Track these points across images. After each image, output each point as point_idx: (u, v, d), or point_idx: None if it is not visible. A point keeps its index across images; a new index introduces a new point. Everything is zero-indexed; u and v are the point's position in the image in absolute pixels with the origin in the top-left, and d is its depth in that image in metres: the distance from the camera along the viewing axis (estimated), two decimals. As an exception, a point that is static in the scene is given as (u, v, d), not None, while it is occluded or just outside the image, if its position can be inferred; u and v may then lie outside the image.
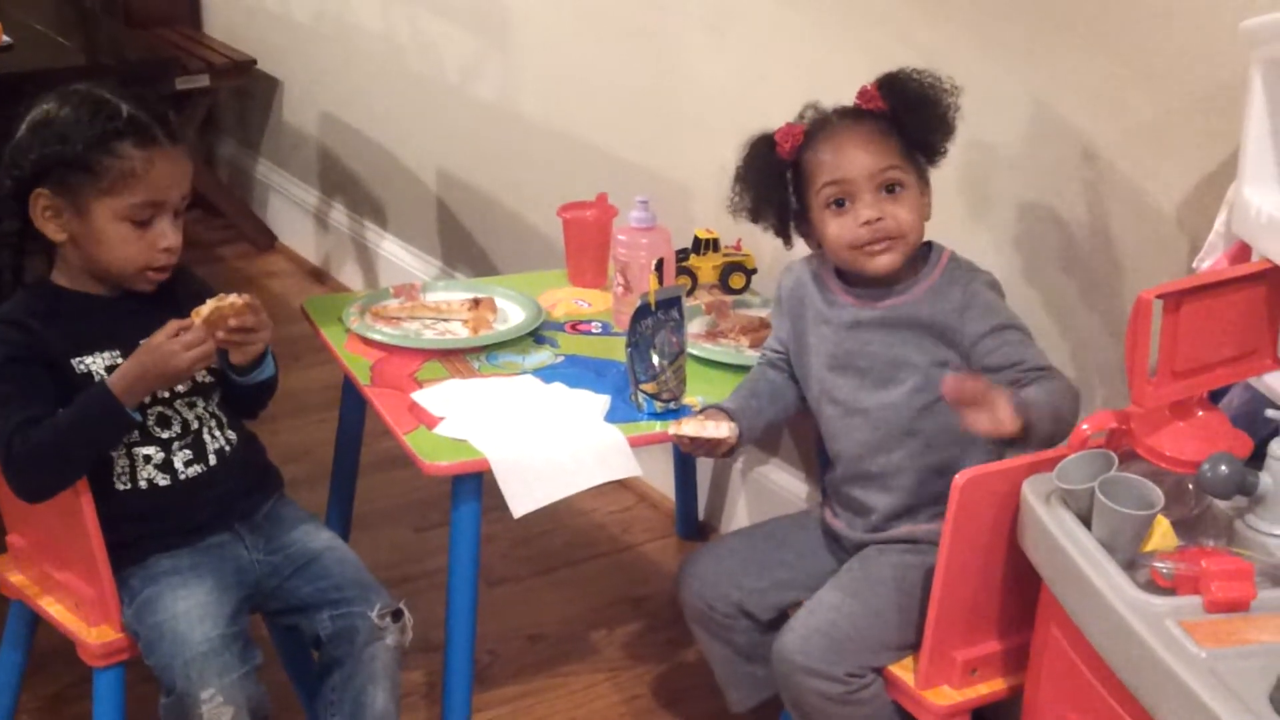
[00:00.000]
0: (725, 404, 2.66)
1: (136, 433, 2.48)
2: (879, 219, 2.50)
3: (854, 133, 2.54)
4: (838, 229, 2.54)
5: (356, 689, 2.51)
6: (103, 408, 2.38)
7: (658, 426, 2.70)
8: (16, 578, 2.67)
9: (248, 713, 2.39)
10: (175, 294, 2.53)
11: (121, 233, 2.44)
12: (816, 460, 3.07)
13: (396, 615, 2.53)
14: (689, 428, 2.58)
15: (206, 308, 2.42)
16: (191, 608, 2.42)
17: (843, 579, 2.56)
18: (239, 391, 2.59)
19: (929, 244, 2.59)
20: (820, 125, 2.58)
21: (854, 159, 2.52)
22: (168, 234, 2.46)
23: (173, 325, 2.40)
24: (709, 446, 2.60)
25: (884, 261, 2.54)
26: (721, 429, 2.58)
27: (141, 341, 2.41)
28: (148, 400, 2.49)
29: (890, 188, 2.51)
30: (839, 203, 2.53)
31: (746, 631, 2.66)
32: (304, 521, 2.65)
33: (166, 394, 2.51)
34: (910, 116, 2.53)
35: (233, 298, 2.44)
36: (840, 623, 2.48)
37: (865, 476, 2.60)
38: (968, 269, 2.55)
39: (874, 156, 2.51)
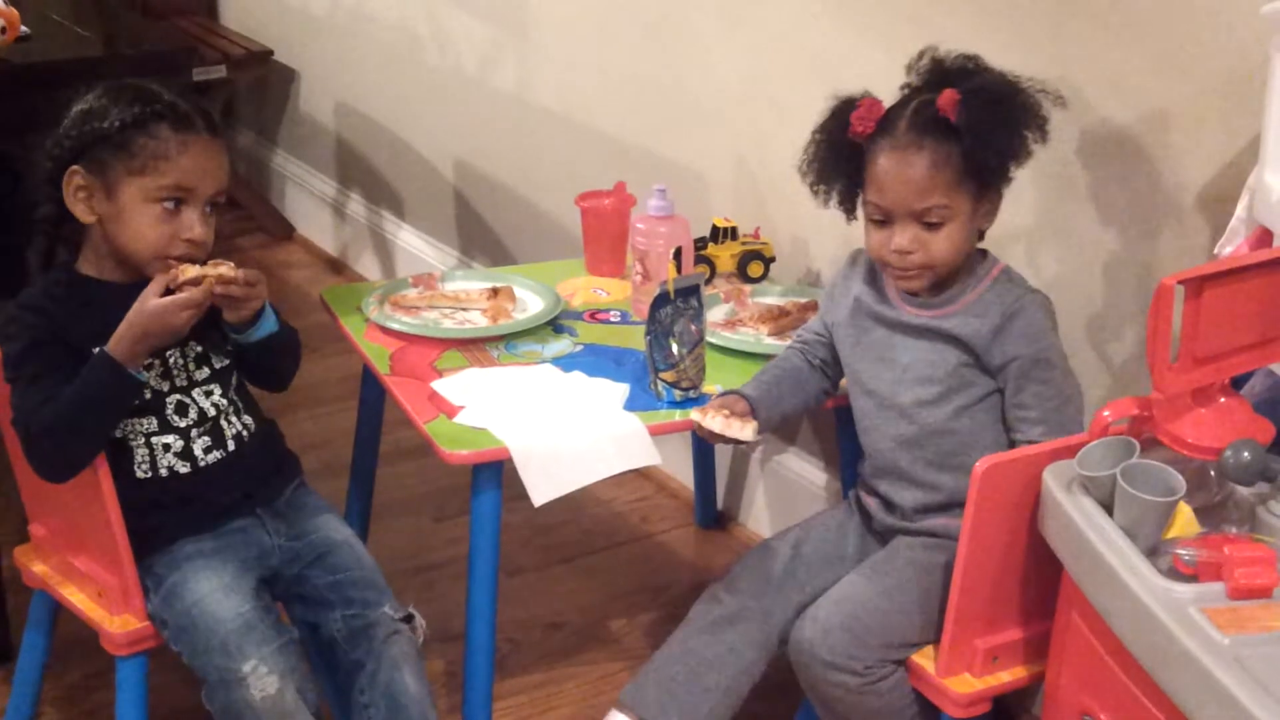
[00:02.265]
0: (747, 390, 2.66)
1: (155, 422, 2.50)
2: (909, 252, 2.48)
3: (910, 157, 2.44)
4: (874, 241, 2.52)
5: (384, 681, 2.51)
6: (108, 374, 2.38)
7: (677, 415, 2.70)
8: (39, 567, 2.68)
9: (294, 684, 2.38)
10: None
11: (147, 215, 2.44)
12: (839, 450, 3.06)
13: (408, 619, 2.56)
14: (716, 424, 2.56)
15: (194, 270, 2.41)
16: (217, 588, 2.43)
17: (867, 570, 2.56)
18: (248, 354, 2.58)
19: (984, 252, 2.56)
20: (888, 125, 2.48)
21: (898, 190, 2.46)
22: (195, 225, 2.46)
23: (160, 281, 2.40)
24: (728, 441, 2.60)
25: (907, 286, 2.55)
26: (746, 431, 2.56)
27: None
28: (166, 389, 2.51)
29: (931, 223, 2.47)
30: (879, 220, 2.51)
31: (755, 664, 2.60)
32: (325, 512, 2.66)
33: (185, 381, 2.53)
34: (979, 145, 2.42)
35: (223, 269, 2.43)
36: (862, 617, 2.47)
37: (895, 472, 2.61)
38: (1018, 286, 2.52)
39: (919, 191, 2.44)
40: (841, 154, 2.54)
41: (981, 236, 2.57)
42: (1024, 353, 2.48)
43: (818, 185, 2.60)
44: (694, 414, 2.60)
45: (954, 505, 2.52)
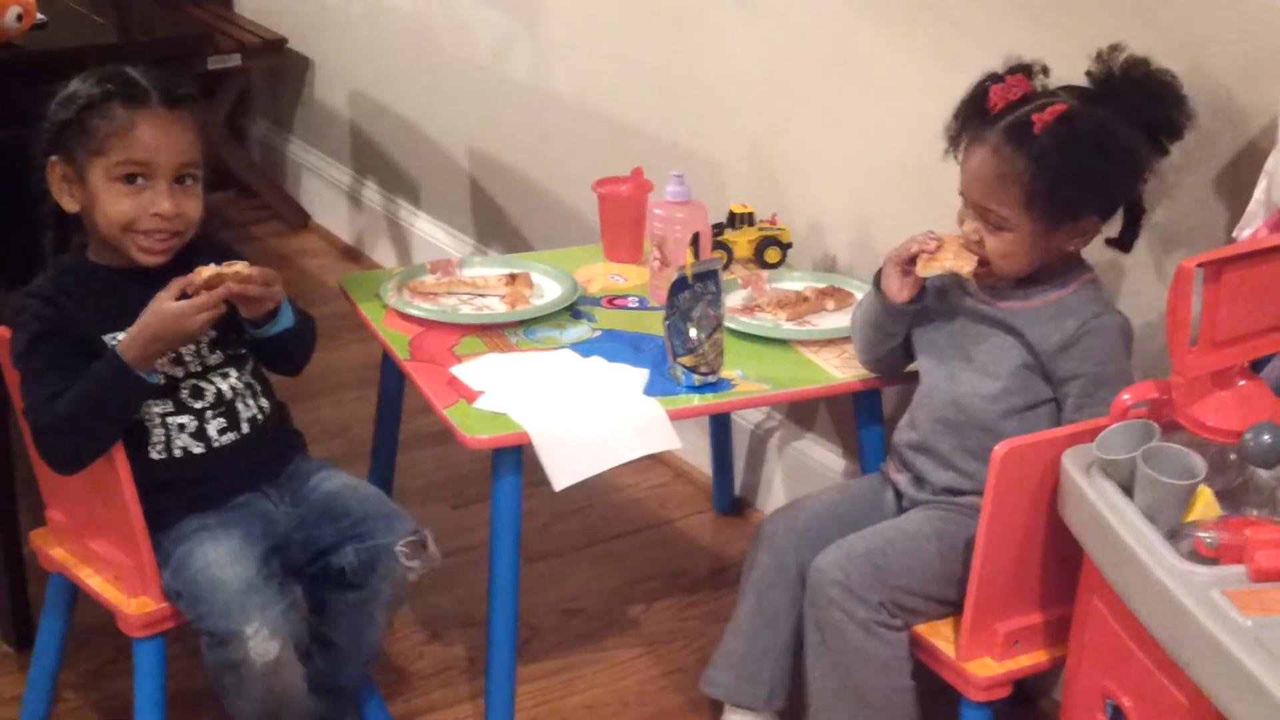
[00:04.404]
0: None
1: (170, 403, 2.51)
2: (974, 240, 2.49)
3: (985, 157, 2.45)
4: (959, 213, 2.53)
5: (365, 616, 2.59)
6: (116, 376, 2.39)
7: (696, 399, 2.71)
8: (56, 551, 2.68)
9: (291, 646, 2.43)
10: (201, 264, 2.48)
11: (113, 195, 2.44)
12: (857, 435, 3.06)
13: (422, 546, 2.56)
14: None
15: (208, 271, 2.41)
16: (223, 554, 2.45)
17: (898, 521, 2.59)
18: (261, 344, 2.59)
19: (1079, 259, 2.54)
20: (1003, 113, 2.44)
21: (967, 179, 2.49)
22: (161, 200, 2.45)
23: (176, 285, 2.40)
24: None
25: (978, 277, 2.54)
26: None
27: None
28: (181, 375, 2.51)
29: (989, 219, 2.47)
30: (962, 194, 2.52)
31: (801, 615, 2.63)
32: (321, 469, 2.67)
33: (199, 367, 2.53)
34: (1045, 176, 2.40)
35: (239, 267, 2.44)
36: (889, 553, 2.49)
37: (932, 451, 2.61)
38: (1099, 303, 2.50)
39: (982, 191, 2.46)
40: (972, 121, 2.50)
41: (1076, 252, 2.54)
42: (1089, 371, 2.46)
43: (949, 149, 2.55)
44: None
45: (979, 491, 2.51)
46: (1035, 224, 2.44)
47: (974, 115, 2.49)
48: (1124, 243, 2.55)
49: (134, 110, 2.44)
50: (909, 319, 2.65)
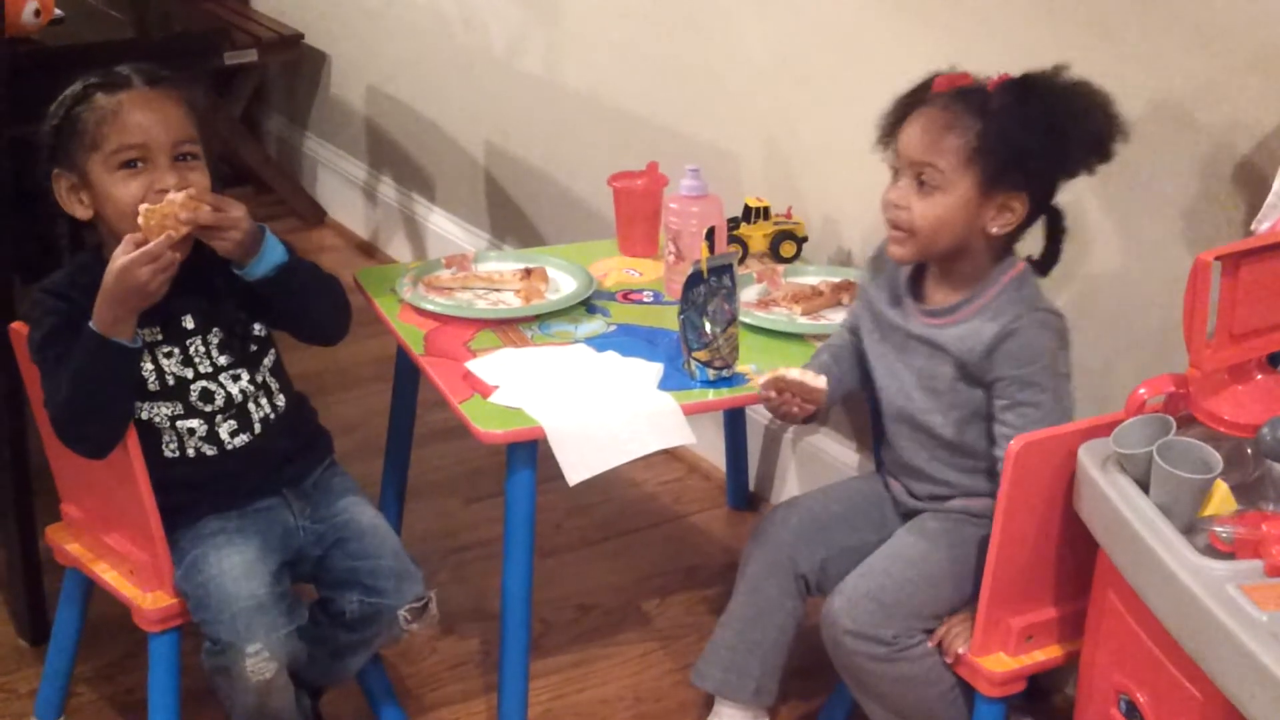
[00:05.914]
0: (807, 367, 2.64)
1: (179, 406, 2.50)
2: (898, 206, 2.45)
3: (933, 114, 2.42)
4: (884, 192, 2.49)
5: (349, 652, 2.62)
6: (94, 348, 2.37)
7: (710, 394, 2.70)
8: (72, 546, 2.69)
9: (287, 667, 2.43)
10: (207, 264, 2.49)
11: (116, 184, 2.42)
12: (871, 430, 3.06)
13: (423, 609, 2.56)
14: (794, 371, 2.54)
15: (144, 208, 2.37)
16: (237, 565, 2.45)
17: (895, 544, 2.56)
18: (275, 302, 2.55)
19: (1008, 252, 2.51)
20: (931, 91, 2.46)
21: (908, 138, 2.44)
22: (164, 177, 2.42)
23: (129, 241, 2.36)
24: (803, 397, 2.56)
25: (894, 251, 2.50)
26: (820, 380, 2.54)
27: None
28: (190, 376, 2.51)
29: (922, 182, 2.43)
30: (894, 169, 2.49)
31: (793, 611, 2.66)
32: (351, 493, 2.66)
33: (210, 369, 2.53)
34: (996, 130, 2.38)
35: (173, 196, 2.38)
36: (890, 587, 2.49)
37: (910, 468, 2.61)
38: (1023, 303, 2.45)
39: (922, 146, 2.41)
40: (913, 106, 2.49)
41: (1007, 246, 2.50)
42: (1011, 373, 2.43)
43: (883, 139, 2.52)
44: (764, 375, 2.57)
45: (969, 495, 2.53)
46: (969, 187, 2.40)
47: (916, 101, 2.47)
48: (1044, 265, 2.53)
49: (117, 94, 2.44)
50: (844, 371, 2.70)
